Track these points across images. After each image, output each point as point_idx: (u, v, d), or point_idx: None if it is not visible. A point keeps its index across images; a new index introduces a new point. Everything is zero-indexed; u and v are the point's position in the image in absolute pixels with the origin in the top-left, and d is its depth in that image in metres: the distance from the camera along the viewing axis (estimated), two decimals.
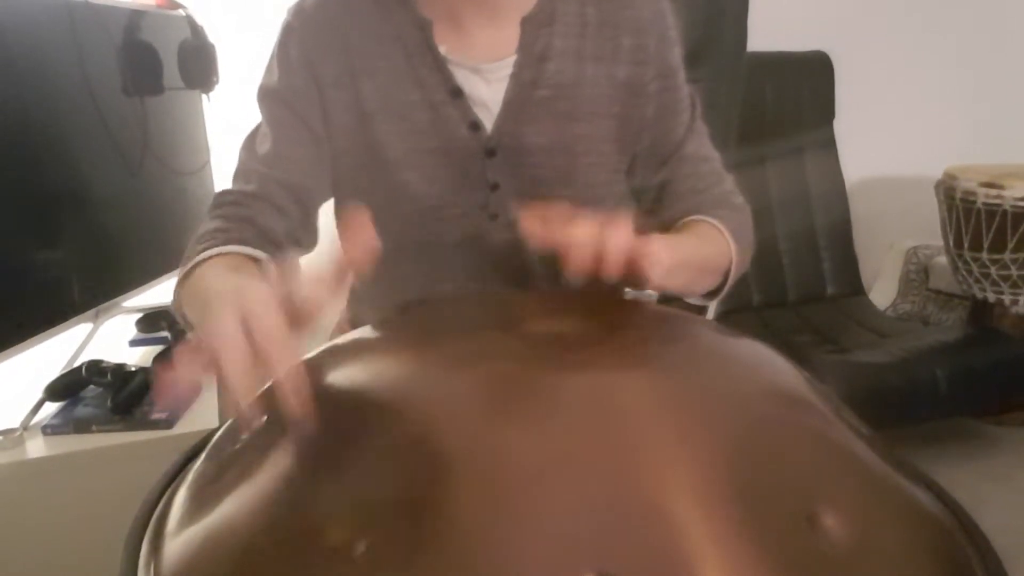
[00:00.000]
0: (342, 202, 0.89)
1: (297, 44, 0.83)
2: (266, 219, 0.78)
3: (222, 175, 1.75)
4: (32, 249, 1.26)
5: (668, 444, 0.38)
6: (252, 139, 0.85)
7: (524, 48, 0.81)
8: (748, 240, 0.88)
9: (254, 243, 0.74)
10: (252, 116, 0.86)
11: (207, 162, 1.76)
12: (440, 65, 0.80)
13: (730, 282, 0.85)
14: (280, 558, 0.36)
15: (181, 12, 1.61)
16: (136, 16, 1.47)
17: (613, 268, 0.59)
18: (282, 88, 0.83)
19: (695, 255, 0.79)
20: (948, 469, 1.87)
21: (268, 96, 0.85)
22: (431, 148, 0.82)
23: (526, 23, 0.81)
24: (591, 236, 0.59)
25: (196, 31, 1.60)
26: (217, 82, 1.66)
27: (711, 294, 0.85)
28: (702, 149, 0.90)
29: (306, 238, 0.87)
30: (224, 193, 0.82)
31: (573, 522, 0.34)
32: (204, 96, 1.67)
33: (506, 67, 0.81)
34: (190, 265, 0.68)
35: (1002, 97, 2.51)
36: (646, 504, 0.35)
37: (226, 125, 1.79)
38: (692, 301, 0.90)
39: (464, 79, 0.81)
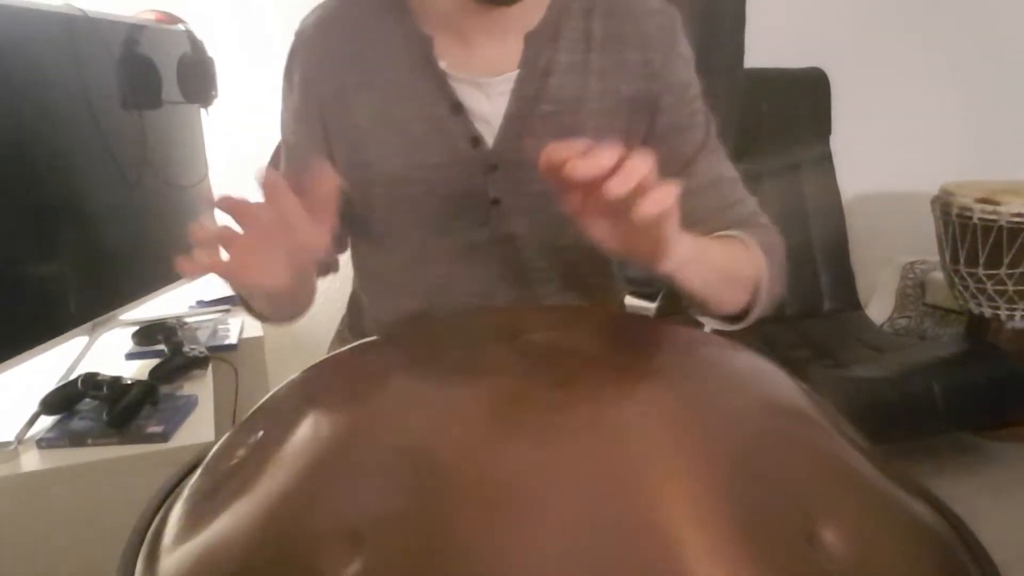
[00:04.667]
0: (347, 217, 0.87)
1: (299, 66, 0.84)
2: None
3: (220, 189, 1.76)
4: (30, 262, 1.26)
5: (667, 459, 0.38)
6: (276, 160, 0.88)
7: (527, 63, 0.80)
8: (780, 260, 0.81)
9: None
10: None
11: (205, 176, 1.76)
12: (440, 80, 0.80)
13: (761, 302, 0.78)
14: (276, 575, 0.36)
15: (181, 27, 1.62)
16: (135, 30, 1.48)
17: (614, 189, 0.54)
18: (292, 113, 0.86)
19: (718, 257, 0.73)
20: (945, 483, 1.87)
21: (283, 123, 0.88)
22: (432, 163, 0.81)
23: (530, 38, 0.80)
24: (602, 159, 0.55)
25: (195, 45, 1.61)
26: (216, 96, 1.66)
27: (735, 319, 0.80)
28: (717, 168, 0.85)
29: (332, 263, 0.89)
30: None
31: (571, 538, 0.34)
32: (203, 110, 1.68)
33: (507, 82, 0.80)
34: None
35: (998, 113, 2.52)
36: (644, 520, 0.35)
37: (224, 139, 1.80)
38: (715, 326, 0.83)
39: (465, 94, 0.80)
